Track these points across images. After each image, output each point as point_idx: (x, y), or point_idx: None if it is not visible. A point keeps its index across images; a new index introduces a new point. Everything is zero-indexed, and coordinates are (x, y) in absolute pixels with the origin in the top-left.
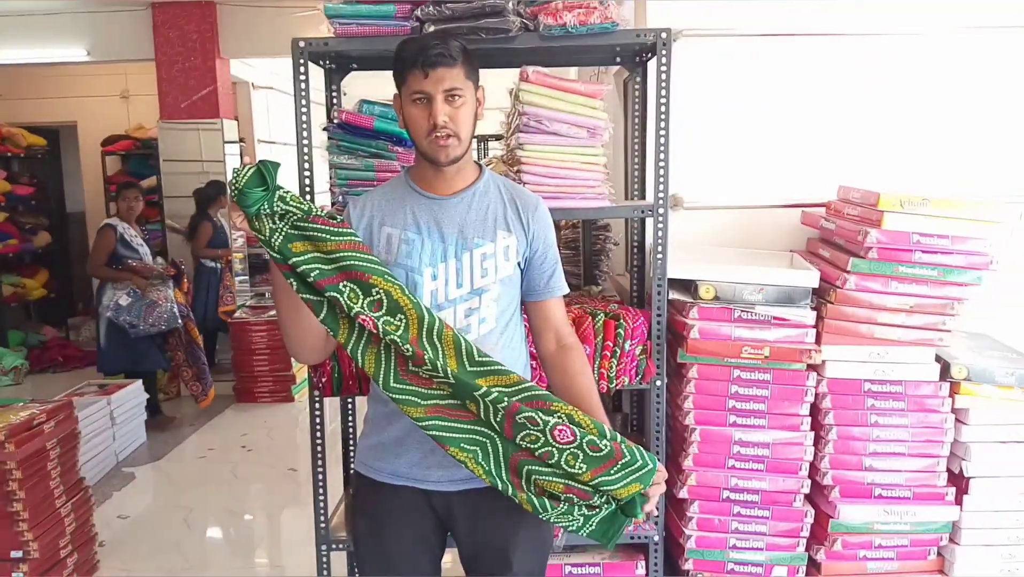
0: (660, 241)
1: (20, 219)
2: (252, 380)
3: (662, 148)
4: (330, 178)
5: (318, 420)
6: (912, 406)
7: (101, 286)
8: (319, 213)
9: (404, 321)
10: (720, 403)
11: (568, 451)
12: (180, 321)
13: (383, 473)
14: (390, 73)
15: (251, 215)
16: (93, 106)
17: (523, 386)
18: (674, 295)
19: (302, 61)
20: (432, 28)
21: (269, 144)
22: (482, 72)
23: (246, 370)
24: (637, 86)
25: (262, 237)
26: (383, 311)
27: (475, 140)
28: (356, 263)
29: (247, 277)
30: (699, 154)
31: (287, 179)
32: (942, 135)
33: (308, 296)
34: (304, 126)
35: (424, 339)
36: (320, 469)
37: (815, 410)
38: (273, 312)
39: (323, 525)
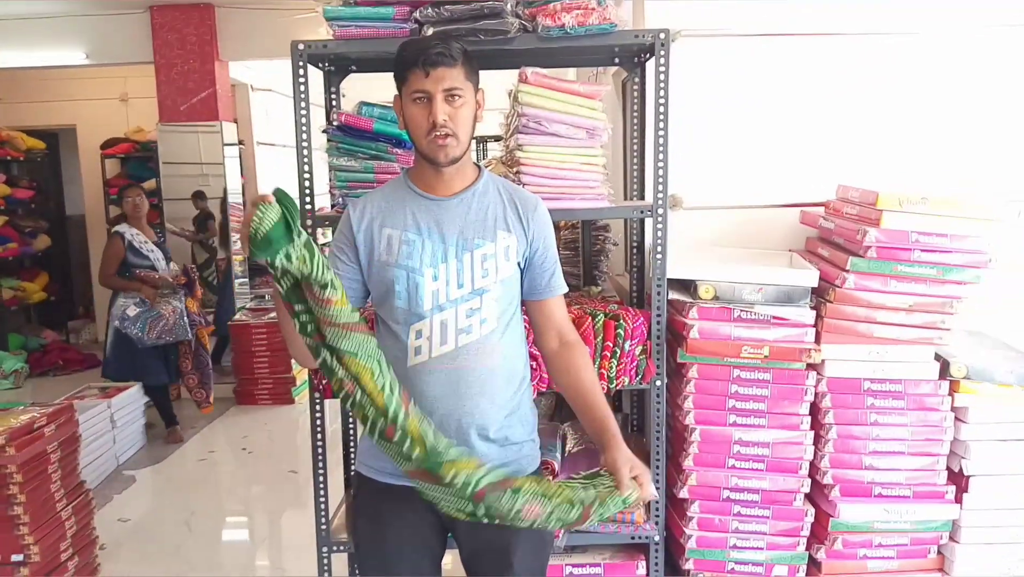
0: (659, 241)
1: (20, 222)
2: (252, 382)
3: (661, 148)
4: (330, 180)
5: (319, 422)
6: (912, 405)
7: (115, 293)
8: (315, 279)
9: (373, 408)
10: (720, 403)
11: (538, 521)
12: (190, 333)
13: (384, 474)
14: (389, 75)
15: (260, 258)
16: (92, 109)
17: (486, 468)
18: (674, 295)
19: (301, 63)
20: (431, 30)
21: (268, 146)
22: (481, 73)
23: (246, 372)
24: (636, 87)
25: (271, 271)
26: (358, 389)
27: (474, 141)
28: (334, 343)
29: (247, 280)
30: (698, 154)
31: (287, 180)
32: (941, 134)
33: (307, 341)
34: (303, 128)
35: (391, 424)
36: (321, 471)
37: (815, 409)
38: (273, 314)
39: (324, 527)
